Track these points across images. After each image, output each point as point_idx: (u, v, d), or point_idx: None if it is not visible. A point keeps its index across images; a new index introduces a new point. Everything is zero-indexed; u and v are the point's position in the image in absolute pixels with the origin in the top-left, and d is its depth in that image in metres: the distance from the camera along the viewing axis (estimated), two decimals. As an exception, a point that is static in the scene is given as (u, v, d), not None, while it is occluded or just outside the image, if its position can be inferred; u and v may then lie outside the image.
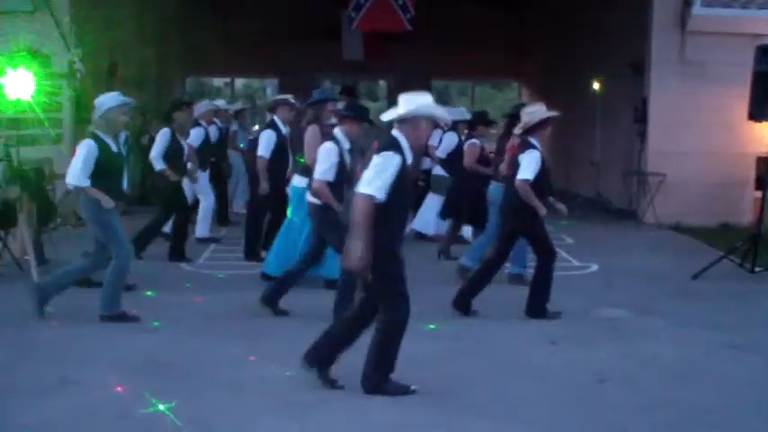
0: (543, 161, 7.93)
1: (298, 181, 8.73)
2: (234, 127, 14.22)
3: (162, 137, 10.26)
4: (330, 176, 7.57)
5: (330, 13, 21.12)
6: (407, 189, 5.66)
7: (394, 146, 5.51)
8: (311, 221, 7.93)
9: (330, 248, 8.00)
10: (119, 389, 5.73)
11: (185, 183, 10.60)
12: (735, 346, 7.13)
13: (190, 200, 10.98)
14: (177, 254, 10.35)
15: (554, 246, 8.09)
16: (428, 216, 11.91)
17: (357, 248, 5.33)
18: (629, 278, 9.69)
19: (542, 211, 7.83)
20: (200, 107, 12.18)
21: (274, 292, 7.86)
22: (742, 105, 10.42)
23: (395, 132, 5.61)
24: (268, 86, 35.59)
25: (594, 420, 5.40)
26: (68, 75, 12.94)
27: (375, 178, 5.37)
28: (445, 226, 11.26)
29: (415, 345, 6.12)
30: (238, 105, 14.63)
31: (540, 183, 7.89)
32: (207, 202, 11.85)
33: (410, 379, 5.74)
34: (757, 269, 10.16)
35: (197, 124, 11.82)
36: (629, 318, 8.07)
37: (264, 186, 9.99)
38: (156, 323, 7.46)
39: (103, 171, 7.42)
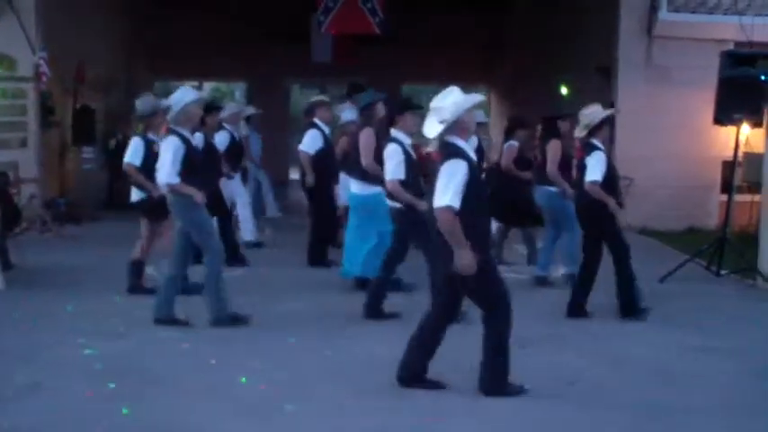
0: (610, 161, 8.08)
1: (359, 188, 8.78)
2: (245, 132, 13.53)
3: (197, 141, 9.47)
4: (401, 174, 7.62)
5: (299, 17, 21.07)
6: (483, 192, 5.77)
7: (455, 153, 5.57)
8: (395, 226, 7.97)
9: (367, 246, 8.38)
10: (89, 393, 5.69)
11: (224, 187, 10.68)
12: (703, 348, 7.20)
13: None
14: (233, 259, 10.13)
15: (628, 243, 8.22)
16: None
17: (465, 255, 5.42)
18: (598, 282, 9.69)
19: (617, 209, 7.99)
20: (229, 109, 11.83)
21: (373, 302, 7.90)
22: (708, 110, 10.52)
23: (449, 138, 5.63)
24: (236, 90, 35.49)
25: (565, 422, 5.42)
26: (34, 78, 12.81)
27: (446, 188, 5.44)
28: None
29: (378, 349, 6.11)
30: (251, 110, 14.23)
31: (610, 182, 8.02)
32: (243, 206, 11.90)
33: (382, 379, 5.72)
34: (723, 272, 10.26)
35: (221, 127, 11.46)
36: (598, 321, 8.10)
37: (309, 180, 10.32)
38: (123, 328, 7.40)
39: (190, 167, 7.34)
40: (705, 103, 11.10)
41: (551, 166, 9.43)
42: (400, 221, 7.81)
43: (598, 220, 8.03)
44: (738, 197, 12.47)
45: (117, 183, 17.21)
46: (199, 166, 7.54)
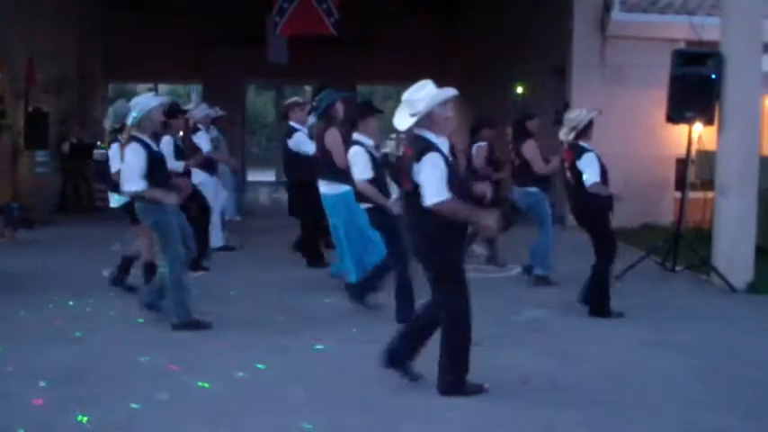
0: (601, 160, 8.21)
1: (330, 188, 8.71)
2: (214, 134, 13.13)
3: (167, 144, 9.30)
4: (369, 173, 7.69)
5: (255, 17, 20.98)
6: (458, 185, 5.66)
7: (427, 147, 5.53)
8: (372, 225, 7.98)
9: (353, 248, 8.45)
10: (39, 401, 5.60)
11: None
12: (656, 343, 7.28)
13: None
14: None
15: (616, 247, 8.38)
16: None
17: (484, 215, 5.64)
18: (557, 278, 9.79)
19: (620, 198, 8.23)
20: (200, 111, 11.69)
21: (365, 287, 8.00)
22: (661, 108, 10.62)
23: (420, 132, 5.61)
24: (192, 92, 35.28)
25: (519, 420, 5.43)
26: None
27: (435, 185, 5.44)
28: None
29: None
30: (217, 111, 14.02)
31: (604, 180, 8.19)
32: (215, 212, 11.64)
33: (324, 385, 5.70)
34: (678, 268, 10.38)
35: (197, 129, 11.37)
36: (552, 318, 8.16)
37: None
38: (79, 333, 7.31)
39: (154, 172, 7.27)
40: (658, 101, 11.20)
41: (539, 165, 9.65)
42: (372, 221, 7.85)
43: (596, 219, 8.21)
44: (692, 194, 12.59)
45: (69, 186, 17.05)
46: (164, 170, 7.50)
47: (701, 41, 12.31)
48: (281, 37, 19.60)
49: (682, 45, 13.32)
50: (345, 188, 8.37)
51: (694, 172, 12.77)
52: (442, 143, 5.64)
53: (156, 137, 7.85)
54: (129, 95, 32.00)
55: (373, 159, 7.76)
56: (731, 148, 9.83)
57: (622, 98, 14.40)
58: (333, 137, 8.70)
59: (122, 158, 7.33)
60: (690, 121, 10.30)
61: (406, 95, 5.62)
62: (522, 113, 10.35)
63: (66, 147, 17.12)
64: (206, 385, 5.95)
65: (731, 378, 6.40)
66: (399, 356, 5.86)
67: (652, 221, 14.31)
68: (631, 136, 14.43)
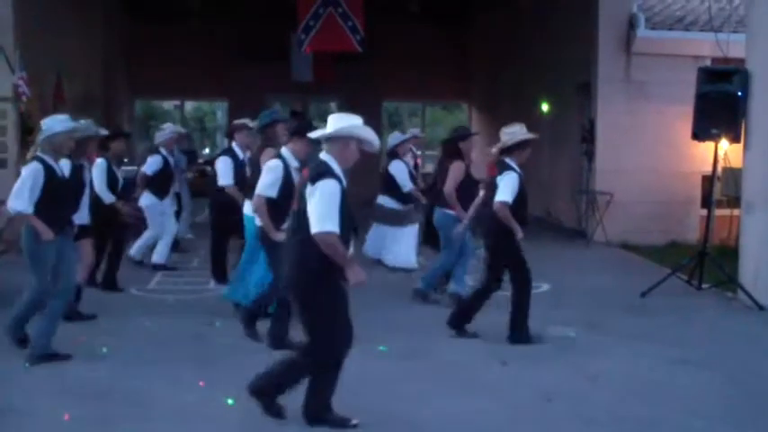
0: (522, 184, 7.69)
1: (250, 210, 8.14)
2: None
3: (99, 168, 9.57)
4: (272, 192, 7.33)
5: (280, 35, 21.12)
6: (350, 214, 5.35)
7: (327, 172, 5.25)
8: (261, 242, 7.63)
9: (255, 274, 8.04)
10: (66, 416, 5.64)
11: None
12: (681, 361, 7.23)
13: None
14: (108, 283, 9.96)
15: (530, 273, 7.82)
16: (377, 242, 11.16)
17: (358, 271, 5.29)
18: (579, 297, 9.76)
19: (520, 233, 7.61)
20: (161, 135, 11.77)
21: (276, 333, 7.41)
22: (686, 125, 10.58)
23: (324, 156, 5.37)
24: (218, 109, 35.45)
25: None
26: (12, 98, 12.75)
27: (328, 212, 5.12)
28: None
29: (365, 366, 6.11)
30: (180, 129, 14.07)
31: (520, 206, 7.68)
32: (154, 232, 11.42)
33: (361, 400, 5.72)
34: (704, 286, 10.31)
35: (156, 151, 11.52)
36: (578, 336, 8.12)
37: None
38: (105, 349, 7.35)
39: (49, 198, 6.93)
40: (684, 118, 11.18)
41: (449, 187, 8.98)
42: (261, 240, 7.52)
43: (506, 239, 7.66)
44: (718, 211, 12.56)
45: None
46: (61, 196, 7.15)
47: (726, 58, 12.26)
48: (305, 55, 19.69)
49: (707, 62, 13.28)
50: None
51: (720, 189, 12.72)
52: (342, 174, 5.35)
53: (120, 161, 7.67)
54: (157, 113, 32.37)
55: (288, 181, 7.31)
56: (757, 165, 9.78)
57: (647, 115, 14.37)
58: (267, 158, 7.95)
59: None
60: (715, 139, 10.25)
61: (334, 115, 5.52)
62: (456, 132, 9.68)
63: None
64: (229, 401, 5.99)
65: (756, 396, 6.37)
66: (265, 390, 5.52)
67: (678, 239, 14.23)
68: (657, 153, 14.38)
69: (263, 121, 8.47)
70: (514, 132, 7.81)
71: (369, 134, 5.48)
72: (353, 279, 5.25)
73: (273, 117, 8.52)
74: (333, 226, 5.11)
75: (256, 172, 8.03)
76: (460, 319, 7.99)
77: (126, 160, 13.95)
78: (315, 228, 5.11)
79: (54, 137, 7.09)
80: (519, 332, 7.74)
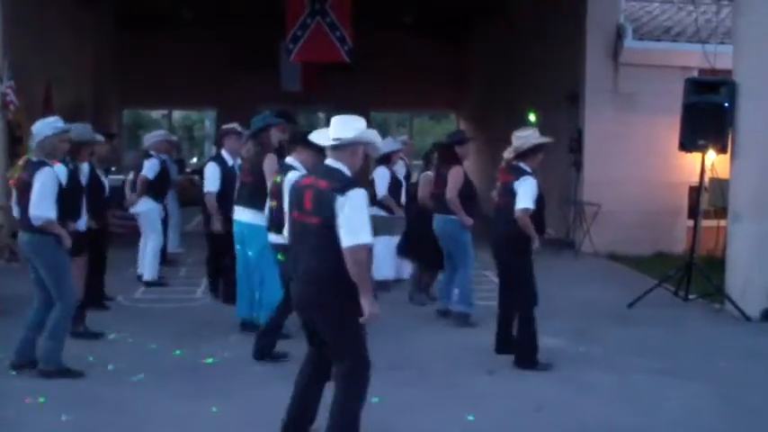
0: (540, 188, 7.41)
1: (247, 216, 8.11)
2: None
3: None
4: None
5: (269, 44, 21.14)
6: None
7: (355, 182, 4.91)
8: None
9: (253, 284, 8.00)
10: (54, 426, 5.63)
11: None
12: (669, 372, 7.25)
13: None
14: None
15: (536, 297, 7.43)
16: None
17: (372, 305, 4.80)
18: (567, 307, 9.77)
19: (537, 242, 7.35)
20: (149, 138, 11.67)
21: (263, 346, 7.32)
22: (673, 136, 10.62)
23: (333, 163, 5.03)
24: (206, 118, 35.42)
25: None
26: (0, 107, 12.71)
27: (362, 224, 4.77)
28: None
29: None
30: (171, 137, 14.00)
31: (538, 212, 7.40)
32: (156, 235, 11.12)
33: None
34: (691, 297, 10.34)
35: (149, 155, 11.36)
36: (566, 346, 8.13)
37: (216, 225, 9.32)
38: (92, 358, 7.32)
39: (59, 203, 6.79)
40: (671, 129, 11.21)
41: (452, 193, 8.78)
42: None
43: (520, 251, 7.38)
44: (705, 222, 12.61)
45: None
46: (64, 201, 6.95)
47: (713, 69, 12.34)
48: (293, 64, 19.73)
49: (694, 73, 13.36)
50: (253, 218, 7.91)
51: (707, 200, 12.76)
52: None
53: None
54: (145, 122, 32.32)
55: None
56: (744, 175, 9.83)
57: (635, 125, 14.42)
58: (270, 163, 7.95)
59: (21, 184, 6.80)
60: (702, 149, 10.29)
61: (338, 117, 5.15)
62: (453, 136, 9.53)
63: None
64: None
65: (744, 407, 6.39)
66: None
67: (665, 249, 14.27)
68: (644, 163, 14.43)
69: (257, 125, 8.28)
70: (527, 136, 7.56)
71: (376, 137, 5.28)
72: (369, 310, 4.79)
73: (267, 121, 8.32)
74: (365, 238, 4.76)
75: (259, 178, 7.96)
76: (531, 353, 7.35)
77: (113, 168, 13.90)
78: (349, 241, 4.71)
79: (44, 140, 6.90)
80: (527, 355, 7.31)
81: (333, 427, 4.92)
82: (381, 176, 10.54)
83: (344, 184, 4.83)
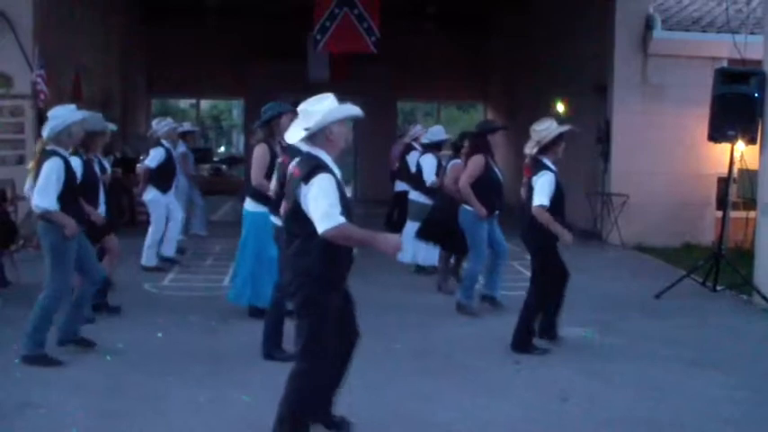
0: (559, 183, 7.37)
1: (251, 205, 8.15)
2: (182, 149, 13.27)
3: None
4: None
5: (296, 35, 21.20)
6: (349, 208, 4.87)
7: (318, 167, 4.79)
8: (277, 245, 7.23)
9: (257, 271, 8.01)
10: (80, 412, 5.69)
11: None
12: (696, 362, 7.23)
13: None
14: None
15: (553, 286, 7.55)
16: (407, 244, 10.59)
17: (384, 241, 4.77)
18: (594, 298, 9.75)
19: (566, 237, 7.20)
20: (162, 126, 11.80)
21: (269, 339, 7.10)
22: (702, 127, 10.56)
23: (310, 150, 4.93)
24: (234, 108, 35.56)
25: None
26: (31, 95, 12.84)
27: (326, 210, 4.65)
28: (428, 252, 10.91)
29: (378, 364, 6.14)
30: (187, 127, 14.18)
31: (558, 205, 7.33)
32: (157, 227, 11.35)
33: (374, 398, 5.73)
34: (719, 288, 10.29)
35: (159, 143, 11.51)
36: (592, 337, 8.12)
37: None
38: (120, 345, 7.40)
39: (69, 193, 6.84)
40: (700, 120, 11.14)
41: (464, 181, 8.74)
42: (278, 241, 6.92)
43: (543, 244, 7.42)
44: (734, 213, 12.51)
45: (113, 200, 17.24)
46: (79, 190, 7.13)
47: (743, 60, 12.23)
48: (321, 54, 19.77)
49: (724, 63, 13.26)
50: (264, 209, 7.72)
51: (736, 191, 12.68)
52: (335, 166, 4.93)
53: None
54: (173, 111, 32.51)
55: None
56: (774, 167, 9.75)
57: (663, 116, 14.34)
58: (261, 153, 7.96)
59: (36, 171, 6.76)
60: (732, 140, 10.22)
61: (303, 105, 5.01)
62: (485, 125, 9.50)
63: (110, 159, 17.35)
64: (244, 397, 6.02)
65: (772, 399, 6.35)
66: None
67: (692, 241, 14.20)
68: (672, 154, 14.35)
69: (271, 113, 8.13)
70: (548, 128, 7.47)
71: (345, 111, 5.00)
72: (388, 247, 4.75)
73: (278, 109, 8.13)
74: (335, 219, 4.64)
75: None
76: (526, 339, 7.48)
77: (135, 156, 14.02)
78: (320, 228, 4.64)
79: (70, 127, 6.88)
80: (522, 341, 7.45)
81: (281, 406, 4.87)
82: (430, 163, 10.86)
83: (309, 172, 4.75)
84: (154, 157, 11.24)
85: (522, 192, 7.74)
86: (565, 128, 7.53)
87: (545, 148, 7.44)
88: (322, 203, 4.67)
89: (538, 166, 7.42)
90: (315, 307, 4.83)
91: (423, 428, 5.54)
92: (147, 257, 11.26)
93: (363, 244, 4.77)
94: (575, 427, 5.61)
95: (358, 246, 4.83)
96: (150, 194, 11.28)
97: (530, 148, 7.52)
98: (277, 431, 4.86)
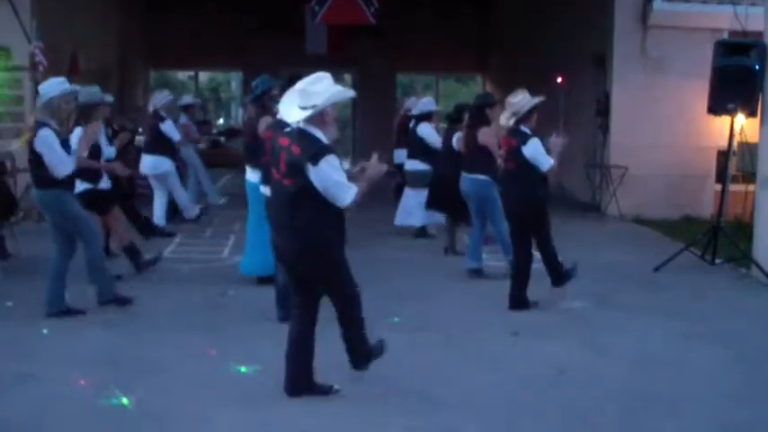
0: (542, 143, 7.87)
1: (252, 175, 8.23)
2: (184, 120, 13.48)
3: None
4: None
5: (294, 7, 21.09)
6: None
7: (324, 148, 5.14)
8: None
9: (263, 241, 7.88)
10: (80, 383, 5.72)
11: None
12: (693, 335, 7.25)
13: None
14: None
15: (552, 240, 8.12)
16: (410, 208, 11.54)
17: (372, 173, 5.30)
18: (592, 270, 9.75)
19: (559, 144, 7.84)
20: (162, 98, 11.92)
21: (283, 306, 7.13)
22: (702, 99, 10.51)
23: (308, 128, 5.20)
24: (233, 80, 35.40)
25: (554, 409, 5.46)
26: (29, 67, 12.79)
27: (342, 185, 5.12)
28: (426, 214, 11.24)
29: (376, 337, 6.13)
30: (188, 100, 14.43)
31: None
32: (162, 192, 12.04)
33: (371, 370, 5.75)
34: (718, 261, 10.30)
35: (162, 118, 11.63)
36: (590, 309, 8.14)
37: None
38: (121, 315, 7.42)
39: None
40: (699, 92, 11.09)
41: (497, 152, 8.92)
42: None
43: (538, 209, 7.96)
44: (733, 187, 12.47)
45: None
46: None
47: (744, 32, 12.16)
48: (319, 27, 19.68)
49: (724, 35, 13.18)
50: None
51: (735, 164, 12.66)
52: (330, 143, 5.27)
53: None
54: (172, 83, 32.36)
55: None
56: (774, 140, 9.73)
57: (663, 89, 14.28)
58: (264, 124, 7.93)
59: (33, 145, 7.04)
60: (732, 113, 10.18)
61: (300, 85, 5.19)
62: (482, 98, 9.84)
63: (108, 132, 17.30)
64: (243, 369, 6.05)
65: (769, 372, 6.38)
66: (299, 382, 5.52)
67: (692, 214, 14.18)
68: (672, 127, 14.30)
69: (262, 87, 8.22)
70: (522, 100, 7.90)
71: (347, 93, 5.49)
72: (375, 176, 5.30)
73: (269, 84, 8.23)
74: (353, 187, 5.16)
75: (255, 141, 8.01)
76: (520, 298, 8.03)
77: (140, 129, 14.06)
78: (346, 199, 5.15)
79: (50, 101, 7.10)
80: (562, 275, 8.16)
81: (353, 350, 5.58)
82: (430, 132, 11.31)
83: (315, 153, 5.09)
84: (173, 129, 11.67)
85: (500, 162, 8.32)
86: (538, 99, 7.91)
87: (522, 119, 7.88)
88: (338, 179, 5.12)
89: (522, 135, 7.83)
90: (339, 265, 5.37)
91: (419, 399, 5.56)
92: (187, 212, 12.35)
93: (368, 189, 5.28)
94: (572, 400, 5.63)
95: (366, 193, 5.28)
96: (165, 166, 11.78)
97: (506, 120, 7.96)
98: (358, 354, 5.59)
